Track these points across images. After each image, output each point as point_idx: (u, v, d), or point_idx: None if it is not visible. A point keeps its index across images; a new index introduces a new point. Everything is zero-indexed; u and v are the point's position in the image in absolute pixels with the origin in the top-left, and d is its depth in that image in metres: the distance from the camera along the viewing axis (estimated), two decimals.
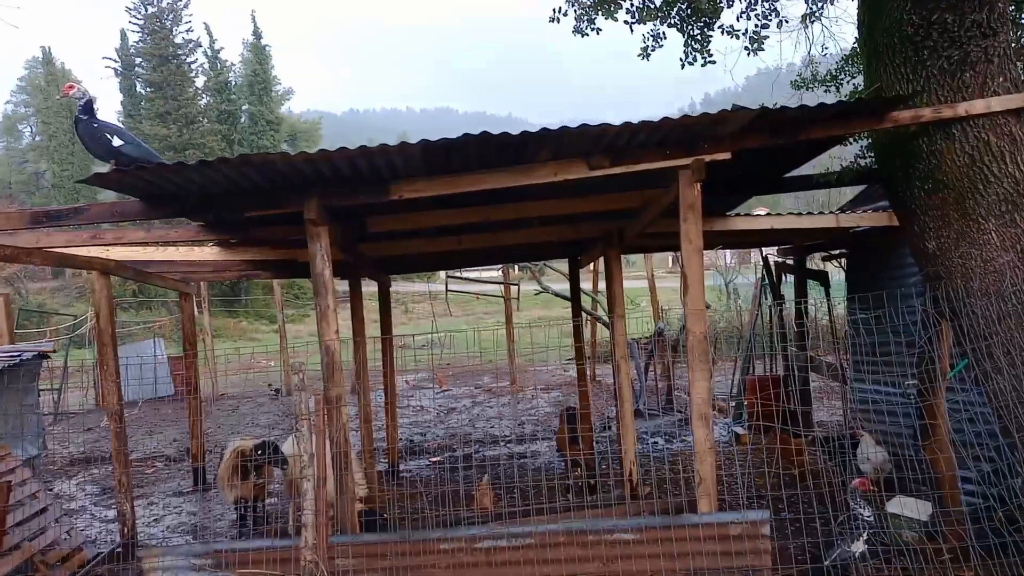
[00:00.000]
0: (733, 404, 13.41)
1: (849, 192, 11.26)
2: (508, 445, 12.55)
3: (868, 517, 5.95)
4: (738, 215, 8.44)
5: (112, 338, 8.13)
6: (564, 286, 16.33)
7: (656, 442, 11.68)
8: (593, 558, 5.44)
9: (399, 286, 42.60)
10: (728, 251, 33.03)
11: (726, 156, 5.37)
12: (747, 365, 13.12)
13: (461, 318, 37.86)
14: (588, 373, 11.08)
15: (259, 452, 7.58)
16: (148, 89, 57.34)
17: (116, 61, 57.81)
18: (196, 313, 12.77)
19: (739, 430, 11.43)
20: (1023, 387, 4.73)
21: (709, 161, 5.36)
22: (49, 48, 69.68)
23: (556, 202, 6.86)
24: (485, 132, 4.82)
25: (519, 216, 6.98)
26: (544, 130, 4.94)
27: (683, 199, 5.40)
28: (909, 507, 6.64)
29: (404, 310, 42.75)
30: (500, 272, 20.09)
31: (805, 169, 7.16)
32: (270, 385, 21.50)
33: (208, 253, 8.25)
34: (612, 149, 5.43)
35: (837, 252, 10.24)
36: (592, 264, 17.40)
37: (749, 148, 5.39)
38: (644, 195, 6.67)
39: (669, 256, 45.35)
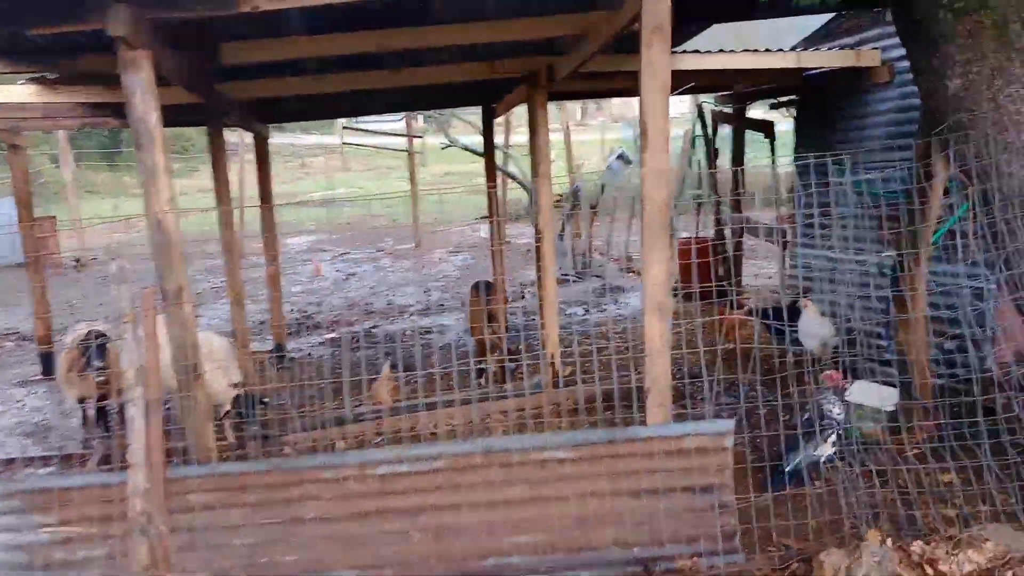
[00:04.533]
0: None
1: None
2: (413, 317, 11.34)
3: (838, 415, 5.07)
4: (685, 51, 7.04)
5: None
6: (473, 139, 14.77)
7: (575, 312, 10.68)
8: (517, 481, 4.35)
9: (292, 138, 39.70)
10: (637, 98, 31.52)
11: None
12: (673, 226, 12.09)
13: (362, 173, 35.73)
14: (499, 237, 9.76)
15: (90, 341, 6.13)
16: None
17: None
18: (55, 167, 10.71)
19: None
20: None
21: None
22: None
23: (469, 27, 5.31)
24: None
25: (421, 44, 5.42)
26: None
27: (647, 18, 3.98)
28: (870, 394, 5.80)
29: (300, 164, 40.04)
30: (403, 123, 18.21)
31: None
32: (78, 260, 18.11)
33: (22, 94, 6.35)
34: None
35: (786, 99, 9.04)
36: (504, 116, 15.80)
37: None
38: (586, 19, 5.18)
39: (578, 107, 43.53)
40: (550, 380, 7.06)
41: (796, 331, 7.35)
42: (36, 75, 6.11)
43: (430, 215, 24.58)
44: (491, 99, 8.82)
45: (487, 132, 9.42)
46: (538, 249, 7.09)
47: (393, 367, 7.35)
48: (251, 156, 11.34)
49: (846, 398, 5.56)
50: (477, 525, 4.32)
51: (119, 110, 7.23)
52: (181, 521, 4.13)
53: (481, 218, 20.66)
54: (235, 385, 6.66)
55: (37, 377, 9.17)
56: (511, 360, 7.51)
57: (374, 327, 10.82)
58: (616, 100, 28.40)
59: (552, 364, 7.14)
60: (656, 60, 3.97)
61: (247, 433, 6.39)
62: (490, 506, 4.33)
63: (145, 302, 3.83)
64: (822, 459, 4.95)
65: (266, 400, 6.92)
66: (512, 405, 6.83)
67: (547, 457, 4.37)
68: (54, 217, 17.83)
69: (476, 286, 7.88)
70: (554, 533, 4.29)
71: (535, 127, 6.75)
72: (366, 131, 17.19)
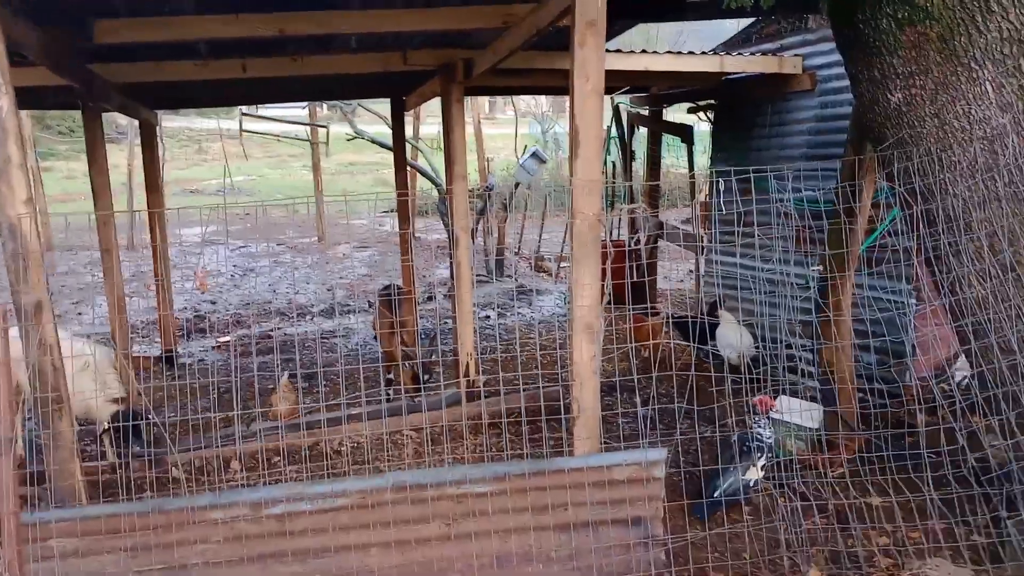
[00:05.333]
0: (565, 267, 12.23)
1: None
2: (315, 320, 10.73)
3: (768, 439, 4.88)
4: (607, 51, 6.74)
5: None
6: (379, 128, 14.17)
7: (487, 316, 10.32)
8: (433, 518, 3.96)
9: (188, 121, 37.82)
10: (545, 96, 31.29)
11: None
12: None
13: (262, 161, 34.34)
14: (407, 238, 9.28)
15: None
16: None
17: None
18: None
19: None
20: (1011, 296, 3.57)
21: None
22: None
23: (380, 13, 4.84)
24: None
25: (327, 31, 4.91)
26: None
27: (580, 13, 3.63)
28: (794, 409, 5.66)
29: (197, 149, 38.12)
30: (305, 111, 17.36)
31: None
32: None
33: None
34: None
35: (704, 103, 8.89)
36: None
37: None
38: (508, 11, 4.80)
39: (486, 100, 43.05)
40: (466, 392, 6.67)
41: (712, 339, 7.24)
42: None
43: (334, 207, 23.80)
44: (402, 91, 8.33)
45: (397, 126, 8.92)
46: (453, 251, 6.67)
47: (292, 377, 6.82)
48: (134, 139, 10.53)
49: (772, 415, 5.41)
50: (388, 568, 3.91)
51: None
52: (41, 573, 3.57)
53: (388, 211, 20.03)
54: (115, 400, 5.98)
55: None
56: (423, 370, 7.07)
57: (273, 329, 10.17)
58: (525, 96, 28.11)
59: (467, 374, 6.76)
60: (589, 60, 3.64)
61: (130, 452, 5.76)
62: (402, 546, 3.92)
63: None
64: (751, 483, 4.75)
65: (151, 415, 6.26)
66: (426, 419, 6.41)
67: (466, 491, 3.99)
68: None
69: (386, 289, 7.39)
70: (474, 573, 3.93)
71: (450, 124, 6.31)
72: (267, 118, 16.28)
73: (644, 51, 6.71)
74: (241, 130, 16.69)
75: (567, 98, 3.98)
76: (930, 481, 3.90)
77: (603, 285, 8.85)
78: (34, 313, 3.52)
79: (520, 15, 4.71)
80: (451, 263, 6.84)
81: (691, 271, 9.97)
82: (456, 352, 6.83)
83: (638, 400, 4.70)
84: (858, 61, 4.15)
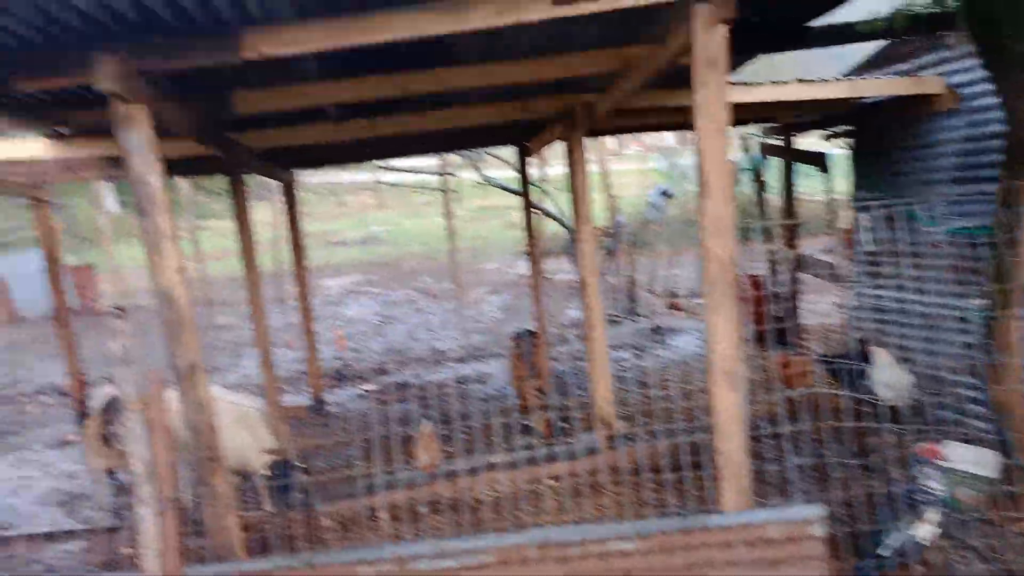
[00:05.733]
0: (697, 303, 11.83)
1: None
2: (453, 365, 10.87)
3: (940, 492, 4.45)
4: (732, 82, 6.54)
5: None
6: (506, 173, 14.36)
7: (623, 358, 10.12)
8: None
9: (328, 176, 39.76)
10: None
11: None
12: None
13: (397, 210, 35.61)
14: (537, 280, 9.25)
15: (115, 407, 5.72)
16: None
17: None
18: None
19: None
20: None
21: None
22: None
23: (497, 68, 4.88)
24: None
25: (447, 87, 5.00)
26: None
27: (700, 52, 3.51)
28: (965, 457, 5.15)
29: (337, 203, 40.00)
30: (436, 160, 17.87)
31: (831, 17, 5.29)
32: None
33: (35, 149, 6.07)
34: None
35: (840, 130, 8.46)
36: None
37: None
38: (625, 54, 4.73)
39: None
40: (604, 439, 6.52)
41: (867, 379, 6.75)
42: (51, 130, 5.85)
43: (467, 251, 24.27)
44: (525, 138, 8.40)
45: (522, 171, 8.98)
46: (583, 295, 6.58)
47: (432, 421, 6.89)
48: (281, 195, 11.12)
49: (939, 461, 4.95)
50: None
51: None
52: None
53: (519, 254, 20.19)
54: (267, 451, 6.24)
55: (71, 438, 8.85)
56: (560, 416, 6.98)
57: (413, 376, 10.38)
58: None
59: (604, 419, 6.62)
60: (712, 100, 3.50)
61: (285, 500, 5.98)
62: None
63: (152, 388, 3.42)
64: (920, 539, 4.33)
65: (302, 463, 6.49)
66: (564, 469, 6.29)
67: (611, 549, 3.85)
68: (91, 265, 17.76)
69: (518, 335, 7.38)
70: None
71: (574, 167, 6.28)
72: (399, 169, 16.87)
73: (772, 82, 6.45)
74: (376, 182, 17.33)
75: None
76: None
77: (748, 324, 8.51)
78: (188, 375, 3.70)
79: (638, 56, 4.63)
80: (583, 302, 6.74)
81: (837, 305, 9.40)
82: (590, 397, 6.70)
83: (789, 449, 4.42)
84: (1004, 76, 3.81)
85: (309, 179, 37.08)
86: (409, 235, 31.19)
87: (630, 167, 29.31)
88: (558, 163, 19.13)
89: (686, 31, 3.61)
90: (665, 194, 11.99)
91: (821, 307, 11.37)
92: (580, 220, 6.37)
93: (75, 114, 4.58)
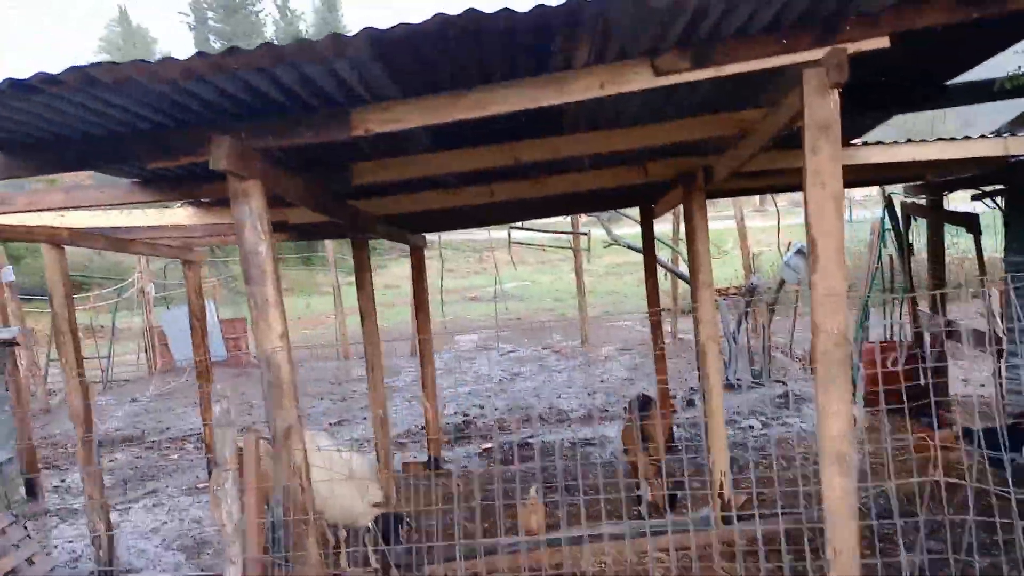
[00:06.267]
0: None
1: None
2: (572, 427, 10.72)
3: None
4: (865, 143, 6.22)
5: (70, 323, 6.60)
6: (636, 231, 14.26)
7: (751, 426, 9.64)
8: None
9: (467, 233, 40.93)
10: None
11: (881, 43, 3.28)
12: (863, 328, 10.78)
13: (534, 267, 36.04)
14: (663, 342, 9.04)
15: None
16: (219, 42, 56.95)
17: (189, 15, 58.08)
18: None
19: (854, 411, 9.26)
20: None
21: (853, 53, 3.28)
22: (125, 7, 69.64)
23: (608, 134, 4.86)
24: (472, 10, 2.87)
25: (558, 155, 5.01)
26: (573, 3, 2.92)
27: (810, 116, 3.34)
28: None
29: (478, 259, 40.98)
30: (568, 219, 18.06)
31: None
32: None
33: (180, 216, 6.59)
34: (691, 40, 3.40)
35: (990, 189, 7.84)
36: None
37: (919, 28, 3.27)
38: (740, 118, 4.60)
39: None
40: (719, 513, 6.19)
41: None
42: (195, 199, 6.32)
43: (599, 308, 24.14)
44: (648, 200, 8.31)
45: (646, 231, 8.87)
46: (700, 363, 6.34)
47: (545, 486, 6.77)
48: (430, 255, 11.49)
49: None
50: None
51: (279, 227, 7.40)
52: None
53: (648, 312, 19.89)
54: (376, 504, 6.33)
55: (201, 484, 9.34)
56: (674, 487, 6.69)
57: (531, 437, 10.30)
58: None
59: (721, 493, 6.29)
60: (823, 165, 3.31)
61: (388, 558, 6.02)
62: None
63: (247, 448, 3.54)
64: None
65: (409, 520, 6.53)
66: (673, 542, 6.01)
67: None
68: (244, 319, 18.94)
69: (630, 402, 7.18)
70: None
71: (693, 232, 6.11)
72: (532, 228, 17.14)
73: (909, 140, 6.08)
74: (510, 242, 17.66)
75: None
76: None
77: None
78: (285, 437, 3.81)
79: (752, 120, 4.48)
80: (699, 374, 6.49)
81: (992, 375, 8.61)
82: (708, 469, 6.39)
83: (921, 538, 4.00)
84: None
85: (450, 236, 38.36)
86: (544, 291, 31.48)
87: (771, 223, 28.41)
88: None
89: (798, 96, 3.45)
90: (801, 253, 11.45)
91: (975, 377, 10.44)
92: (699, 284, 6.17)
93: (204, 186, 4.91)
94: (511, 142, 4.88)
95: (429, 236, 9.80)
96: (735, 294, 14.62)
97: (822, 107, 3.32)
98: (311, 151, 4.47)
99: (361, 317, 6.86)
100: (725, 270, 21.90)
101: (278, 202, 5.56)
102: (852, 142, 6.01)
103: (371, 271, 6.90)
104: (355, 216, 6.08)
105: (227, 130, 3.59)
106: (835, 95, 3.35)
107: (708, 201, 6.29)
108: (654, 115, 4.72)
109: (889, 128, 7.92)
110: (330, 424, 12.21)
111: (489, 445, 9.97)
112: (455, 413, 12.38)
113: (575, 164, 5.97)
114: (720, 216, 28.28)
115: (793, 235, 15.81)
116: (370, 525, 6.28)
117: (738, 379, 11.99)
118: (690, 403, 11.16)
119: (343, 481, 5.93)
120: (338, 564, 6.18)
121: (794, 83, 3.50)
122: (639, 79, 3.52)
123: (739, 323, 12.71)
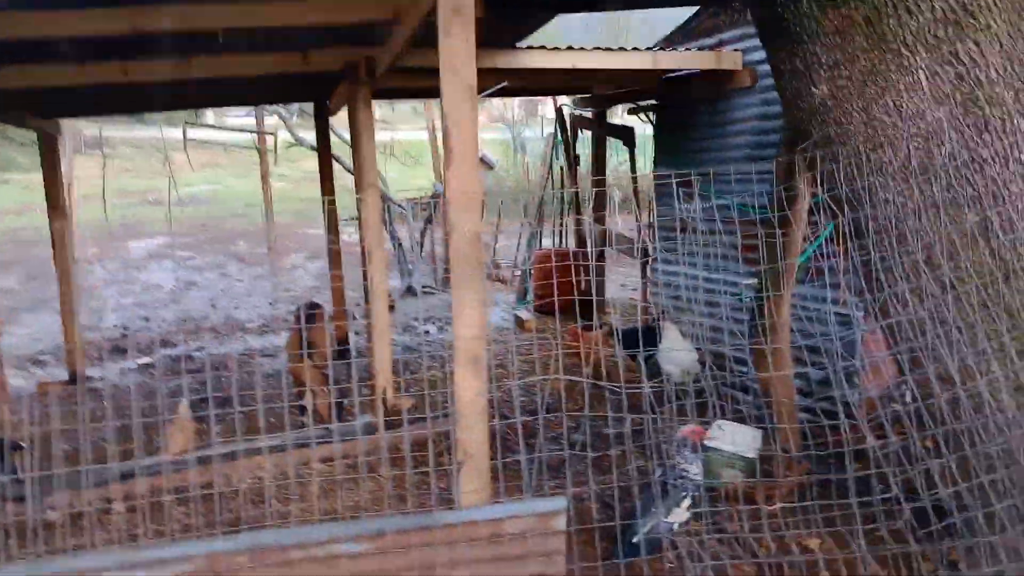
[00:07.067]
0: (518, 276, 11.65)
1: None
2: (247, 338, 10.13)
3: (696, 476, 4.38)
4: (530, 47, 6.24)
5: None
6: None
7: (427, 331, 9.77)
8: None
9: (156, 131, 36.97)
10: (517, 99, 30.66)
11: None
12: (534, 235, 11.32)
13: (227, 169, 33.58)
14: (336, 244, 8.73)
15: None
16: None
17: None
18: None
19: (523, 314, 9.77)
20: (951, 319, 3.08)
21: None
22: None
23: (250, 8, 4.29)
24: None
25: (192, 27, 4.35)
26: None
27: (444, 1, 3.11)
28: (733, 437, 5.15)
29: (164, 159, 37.18)
30: (252, 118, 16.74)
31: None
32: None
33: None
34: None
35: (645, 104, 8.42)
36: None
37: None
38: (395, 1, 4.27)
39: None
40: (382, 419, 6.13)
41: (656, 354, 6.73)
42: None
43: (294, 215, 23.04)
44: (321, 95, 7.79)
45: (320, 130, 8.36)
46: (367, 269, 6.12)
47: (194, 400, 6.21)
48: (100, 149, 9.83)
49: (706, 442, 4.90)
50: None
51: None
52: None
53: (347, 219, 19.39)
54: None
55: None
56: (340, 395, 6.51)
57: (199, 348, 9.55)
58: (496, 100, 27.55)
59: (384, 399, 6.23)
60: (455, 50, 3.10)
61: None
62: None
63: None
64: (675, 526, 4.24)
65: (22, 445, 5.64)
66: (337, 451, 5.87)
67: (337, 552, 3.45)
68: None
69: (297, 309, 6.83)
70: None
71: (357, 129, 5.78)
72: (211, 126, 15.65)
73: (570, 47, 6.20)
74: (185, 139, 16.02)
75: (538, 102, 3.48)
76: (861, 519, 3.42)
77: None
78: None
79: (404, 4, 4.19)
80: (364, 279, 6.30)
81: (642, 280, 9.48)
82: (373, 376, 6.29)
83: (557, 434, 4.19)
84: (779, 50, 3.66)
85: (136, 132, 34.29)
86: (236, 195, 29.40)
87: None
88: (384, 127, 18.53)
89: None
90: (484, 162, 11.65)
91: (632, 282, 11.49)
92: (363, 187, 5.88)
93: None
94: (132, 6, 4.13)
95: (98, 132, 8.42)
96: (424, 206, 14.66)
97: None
98: None
99: None
100: (421, 180, 21.93)
101: None
102: (517, 44, 5.99)
103: None
104: None
105: None
106: None
107: (412, 112, 5.97)
108: None
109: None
110: None
111: (148, 360, 9.07)
112: (115, 326, 11.15)
113: (228, 46, 5.29)
114: (417, 127, 28.19)
115: (487, 149, 16.14)
116: None
117: (425, 287, 12.11)
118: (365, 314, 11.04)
119: None
120: None
121: None
122: None
123: (423, 230, 12.77)
